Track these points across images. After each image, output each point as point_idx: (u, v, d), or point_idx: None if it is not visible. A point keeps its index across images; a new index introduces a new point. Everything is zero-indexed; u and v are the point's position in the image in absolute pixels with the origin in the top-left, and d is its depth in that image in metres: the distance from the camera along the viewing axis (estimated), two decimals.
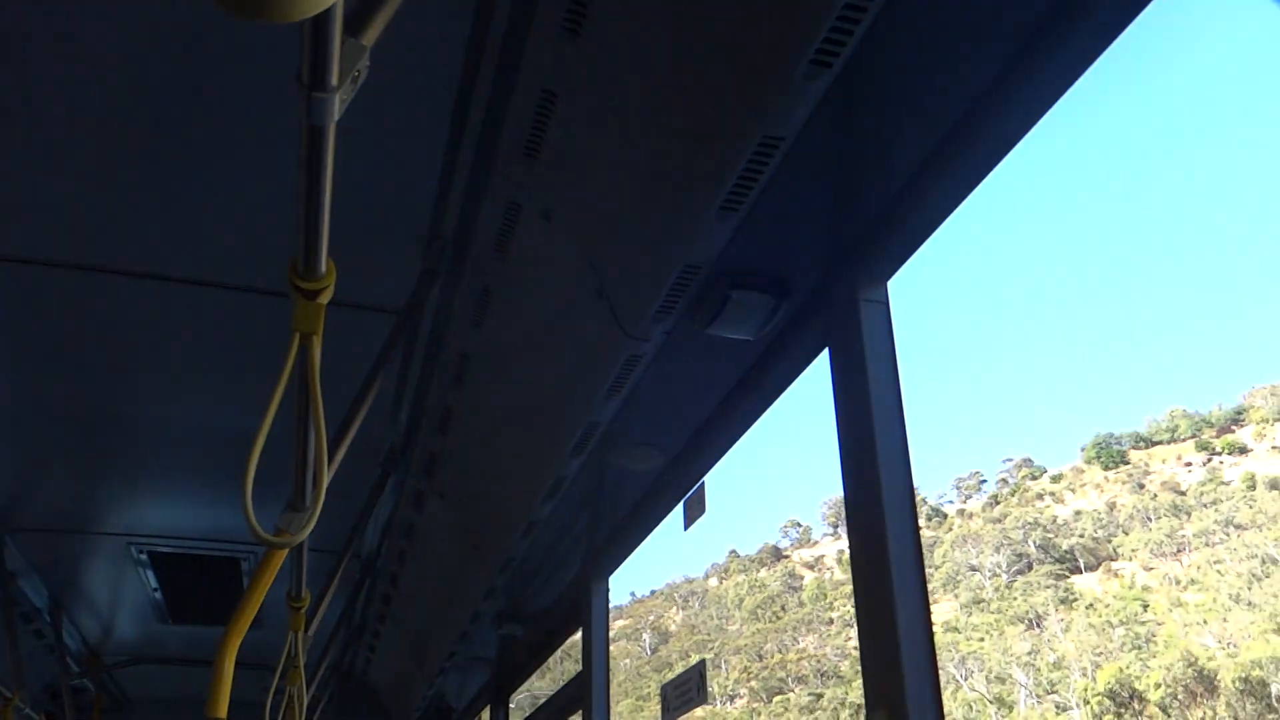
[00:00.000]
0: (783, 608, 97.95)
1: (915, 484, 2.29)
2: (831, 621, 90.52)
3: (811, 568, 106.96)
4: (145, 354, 3.56)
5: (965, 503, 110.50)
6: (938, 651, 2.15)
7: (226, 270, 3.08)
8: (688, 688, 3.09)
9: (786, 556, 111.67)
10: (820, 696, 79.93)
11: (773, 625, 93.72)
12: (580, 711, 4.06)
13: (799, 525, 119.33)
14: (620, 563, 3.99)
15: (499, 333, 3.13)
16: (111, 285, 3.14)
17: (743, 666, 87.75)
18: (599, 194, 2.45)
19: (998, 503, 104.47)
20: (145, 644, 7.08)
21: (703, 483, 3.21)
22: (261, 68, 2.31)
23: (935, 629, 2.17)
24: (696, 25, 1.90)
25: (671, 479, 3.40)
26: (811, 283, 2.45)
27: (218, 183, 2.68)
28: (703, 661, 3.09)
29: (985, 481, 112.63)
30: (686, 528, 3.27)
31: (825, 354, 2.44)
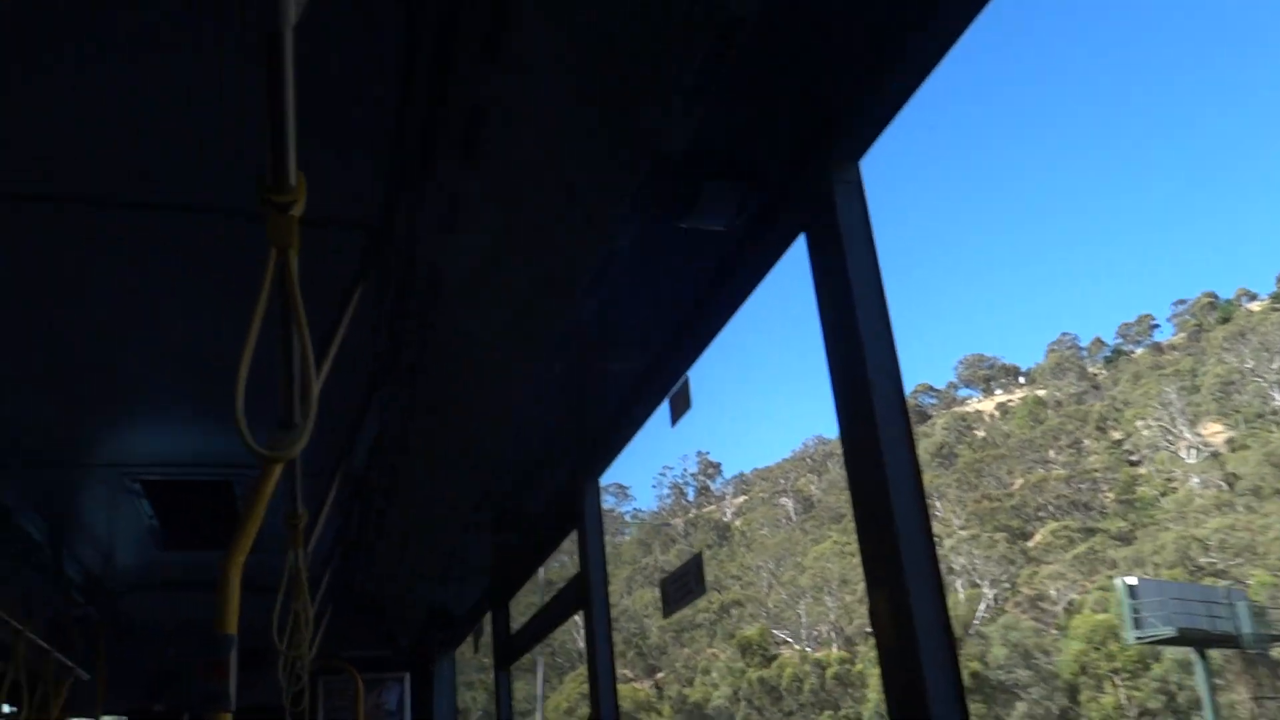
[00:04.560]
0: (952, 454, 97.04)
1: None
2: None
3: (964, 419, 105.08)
4: (121, 282, 3.51)
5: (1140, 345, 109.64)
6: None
7: (197, 192, 3.02)
8: (686, 580, 3.14)
9: (930, 417, 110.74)
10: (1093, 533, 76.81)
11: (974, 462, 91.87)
12: (581, 612, 4.13)
13: (933, 389, 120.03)
14: (609, 462, 4.02)
15: (471, 240, 3.10)
16: (83, 214, 3.09)
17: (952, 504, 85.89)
18: (562, 91, 2.40)
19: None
20: (145, 571, 7.15)
21: (686, 378, 3.21)
22: None
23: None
24: None
25: (655, 376, 3.40)
26: (783, 168, 2.41)
27: (183, 102, 2.62)
28: (699, 555, 3.13)
29: (1157, 325, 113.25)
30: (674, 423, 3.28)
31: (802, 239, 2.42)
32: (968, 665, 61.08)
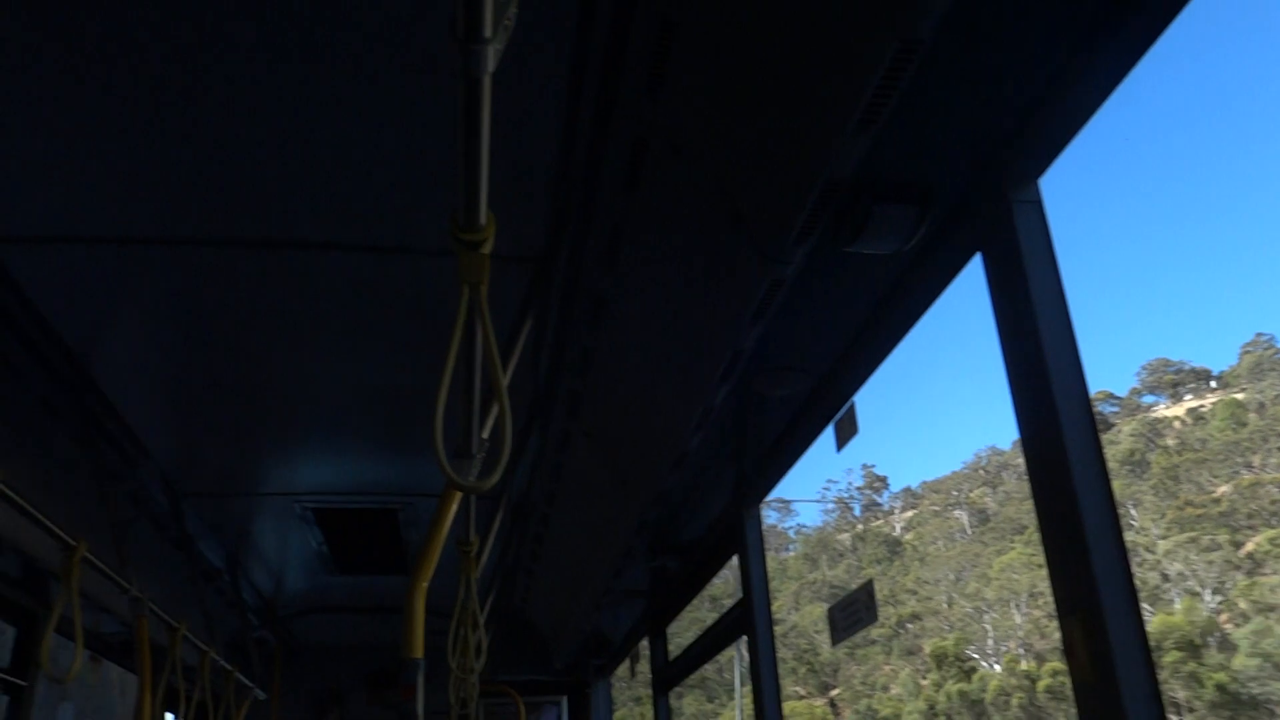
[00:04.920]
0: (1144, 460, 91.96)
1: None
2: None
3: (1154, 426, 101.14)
4: (295, 321, 3.68)
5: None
6: None
7: (366, 233, 3.14)
8: (855, 608, 3.09)
9: (1114, 425, 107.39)
10: None
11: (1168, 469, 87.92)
12: (745, 637, 4.11)
13: (1114, 397, 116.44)
14: (771, 488, 3.99)
15: (634, 270, 3.13)
16: (263, 258, 3.25)
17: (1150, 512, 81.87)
18: (729, 120, 2.41)
19: None
20: (314, 595, 7.44)
21: (852, 403, 3.17)
22: (408, 29, 2.33)
23: None
24: None
25: (819, 401, 3.37)
26: (958, 188, 2.37)
27: (358, 148, 2.73)
28: (870, 581, 3.08)
29: None
30: (839, 449, 3.25)
31: (977, 260, 2.37)
32: (1211, 678, 57.16)
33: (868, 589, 3.09)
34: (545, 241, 2.97)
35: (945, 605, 79.27)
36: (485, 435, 2.77)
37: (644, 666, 6.36)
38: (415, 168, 2.75)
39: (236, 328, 3.74)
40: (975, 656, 72.56)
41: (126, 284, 3.39)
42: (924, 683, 69.71)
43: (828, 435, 3.38)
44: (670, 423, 3.59)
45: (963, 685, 66.04)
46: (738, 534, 4.15)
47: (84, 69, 2.43)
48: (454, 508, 2.62)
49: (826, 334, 3.07)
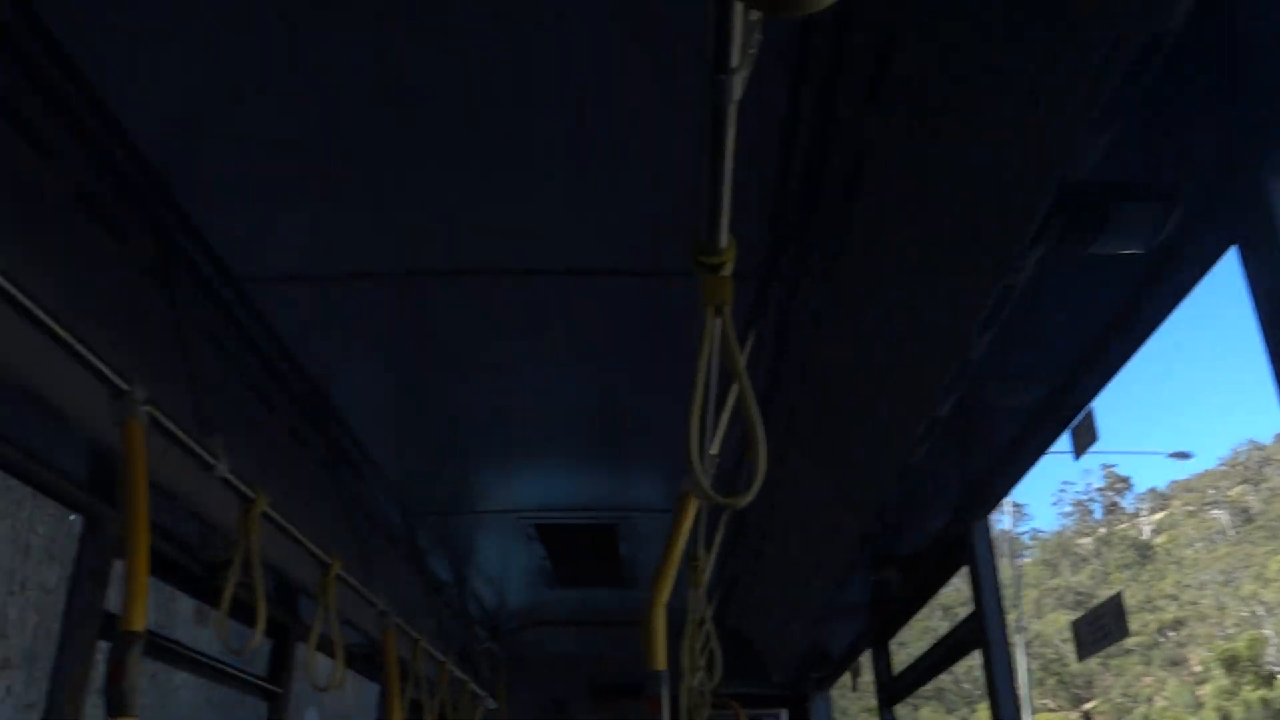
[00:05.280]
0: None
1: None
2: None
3: None
4: (517, 345, 3.82)
5: None
6: None
7: (585, 258, 3.24)
8: (1103, 622, 2.96)
9: None
10: None
11: None
12: (979, 650, 3.98)
13: None
14: (1001, 498, 3.87)
15: (855, 281, 3.10)
16: (486, 285, 3.39)
17: None
18: (956, 124, 2.36)
19: None
20: (536, 608, 7.68)
21: (1091, 409, 3.04)
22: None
23: None
24: None
25: (1053, 409, 3.23)
26: (1207, 180, 2.24)
27: (586, 177, 2.82)
28: (1119, 594, 2.93)
29: None
30: (1077, 457, 3.11)
31: (1232, 252, 2.23)
32: None
33: (1116, 602, 2.95)
34: (765, 256, 2.98)
35: (1215, 610, 73.84)
36: (715, 452, 2.79)
37: (867, 678, 6.26)
38: (638, 194, 2.82)
39: (462, 354, 3.92)
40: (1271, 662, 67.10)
41: (362, 317, 3.61)
42: (1200, 691, 64.71)
43: (1062, 440, 3.25)
44: (893, 434, 3.53)
45: (1264, 692, 60.21)
46: (966, 545, 4.04)
47: (338, 111, 2.60)
48: (689, 523, 2.66)
49: (1062, 340, 2.95)
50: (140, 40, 2.38)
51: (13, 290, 2.00)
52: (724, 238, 1.86)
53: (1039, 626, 75.92)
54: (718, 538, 4.14)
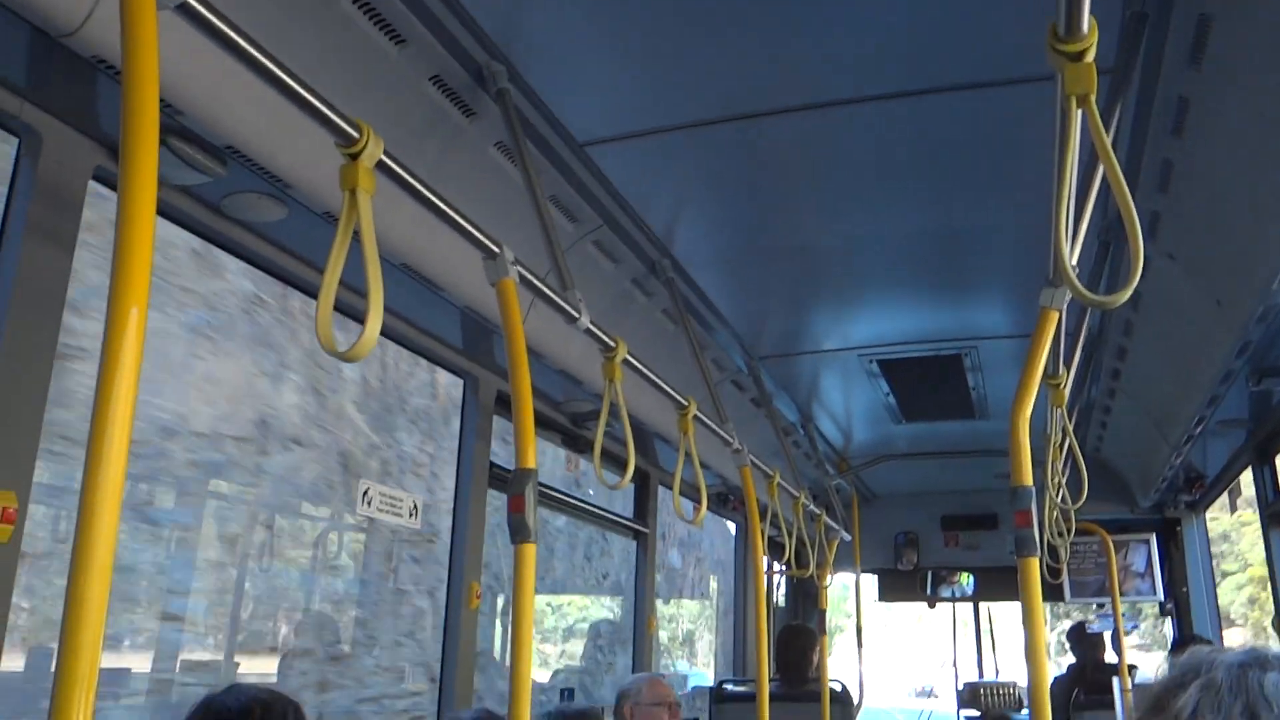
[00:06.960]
0: None
1: None
2: None
3: None
4: (847, 176, 3.78)
5: None
6: None
7: (921, 76, 3.12)
8: None
9: None
10: None
11: None
12: None
13: None
14: None
15: (1226, 65, 2.81)
16: (816, 119, 3.35)
17: None
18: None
19: None
20: (882, 443, 7.74)
21: None
22: None
23: None
24: None
25: None
26: None
27: None
28: None
29: None
30: None
31: None
32: None
33: None
34: (1119, 45, 2.75)
35: None
36: (1074, 262, 2.67)
37: (1248, 496, 5.87)
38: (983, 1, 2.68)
39: (793, 192, 3.92)
40: None
41: (700, 166, 3.69)
42: None
43: None
44: (1272, 235, 3.21)
45: None
46: None
47: None
48: (1048, 339, 2.58)
49: None
50: None
51: (399, 170, 2.21)
52: (1085, 20, 1.74)
53: None
54: (1075, 356, 3.98)
